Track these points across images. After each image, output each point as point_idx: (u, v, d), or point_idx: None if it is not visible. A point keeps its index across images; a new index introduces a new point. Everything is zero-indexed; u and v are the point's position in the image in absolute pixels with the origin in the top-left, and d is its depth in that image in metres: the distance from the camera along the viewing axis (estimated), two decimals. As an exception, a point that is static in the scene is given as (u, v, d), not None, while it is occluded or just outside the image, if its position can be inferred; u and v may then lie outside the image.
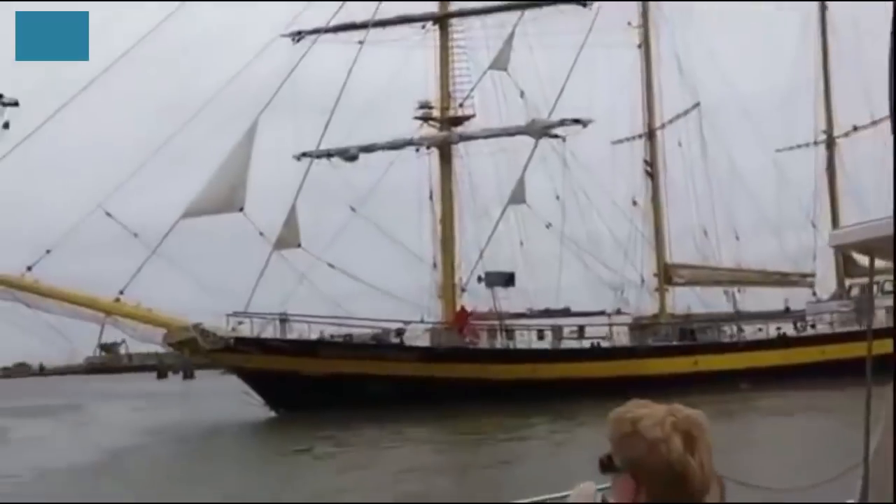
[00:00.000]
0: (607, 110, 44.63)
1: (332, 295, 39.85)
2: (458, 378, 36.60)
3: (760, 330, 44.73)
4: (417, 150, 43.94)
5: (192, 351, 38.70)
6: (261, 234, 39.85)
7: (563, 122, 42.04)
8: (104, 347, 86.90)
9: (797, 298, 48.61)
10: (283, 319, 38.42)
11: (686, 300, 47.35)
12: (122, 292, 36.95)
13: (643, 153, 47.04)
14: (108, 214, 37.37)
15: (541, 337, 41.70)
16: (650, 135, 46.87)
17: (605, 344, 41.66)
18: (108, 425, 38.98)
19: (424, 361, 37.72)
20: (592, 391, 30.34)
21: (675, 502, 1.83)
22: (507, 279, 42.19)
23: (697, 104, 45.89)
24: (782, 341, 43.68)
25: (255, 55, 39.87)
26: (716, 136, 46.14)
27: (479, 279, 41.80)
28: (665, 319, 45.98)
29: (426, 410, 31.51)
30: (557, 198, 43.13)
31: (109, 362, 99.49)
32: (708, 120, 46.06)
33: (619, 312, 43.93)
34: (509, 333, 41.48)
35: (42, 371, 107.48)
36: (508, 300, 42.21)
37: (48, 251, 36.40)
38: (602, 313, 43.28)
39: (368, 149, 42.69)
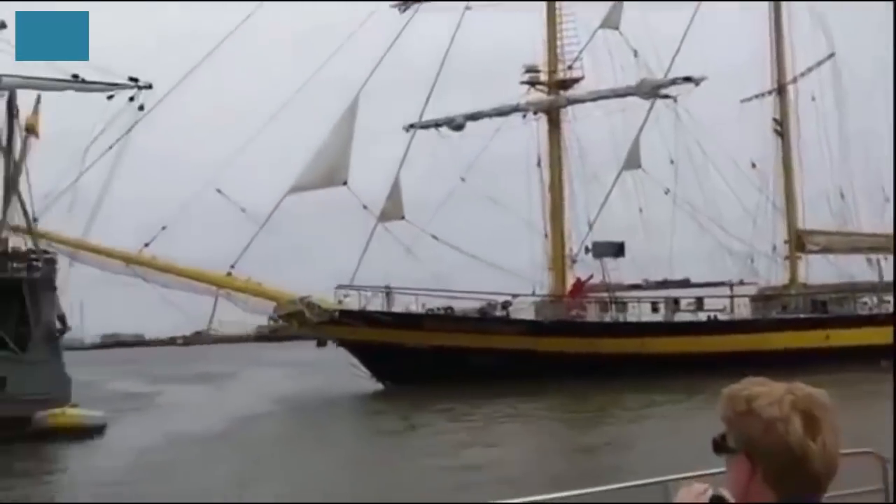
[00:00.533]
0: (731, 66, 41.62)
1: (438, 267, 39.56)
2: (563, 352, 35.45)
3: (909, 301, 40.55)
4: (524, 115, 42.53)
5: (300, 323, 39.37)
6: (364, 207, 40.15)
7: (674, 82, 39.47)
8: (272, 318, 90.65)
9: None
10: (388, 292, 38.55)
11: (841, 270, 43.51)
12: (233, 266, 38.23)
13: (772, 111, 43.42)
14: (219, 191, 38.70)
15: (655, 309, 39.70)
16: (780, 90, 43.17)
17: (722, 317, 39.10)
18: (247, 392, 40.32)
19: (529, 335, 36.73)
20: (706, 366, 28.44)
21: (793, 485, 1.71)
22: (617, 249, 40.24)
23: (832, 55, 41.80)
24: (933, 313, 39.43)
25: (360, 25, 39.95)
26: (855, 88, 41.87)
27: (587, 250, 40.26)
28: (796, 290, 42.56)
29: (535, 385, 30.53)
30: (672, 161, 40.79)
31: (278, 331, 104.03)
32: (845, 72, 41.83)
33: (741, 283, 41.04)
34: (621, 306, 39.73)
35: (217, 339, 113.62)
36: (620, 271, 40.42)
37: (163, 228, 37.99)
38: (724, 284, 40.59)
39: (474, 117, 41.80)
